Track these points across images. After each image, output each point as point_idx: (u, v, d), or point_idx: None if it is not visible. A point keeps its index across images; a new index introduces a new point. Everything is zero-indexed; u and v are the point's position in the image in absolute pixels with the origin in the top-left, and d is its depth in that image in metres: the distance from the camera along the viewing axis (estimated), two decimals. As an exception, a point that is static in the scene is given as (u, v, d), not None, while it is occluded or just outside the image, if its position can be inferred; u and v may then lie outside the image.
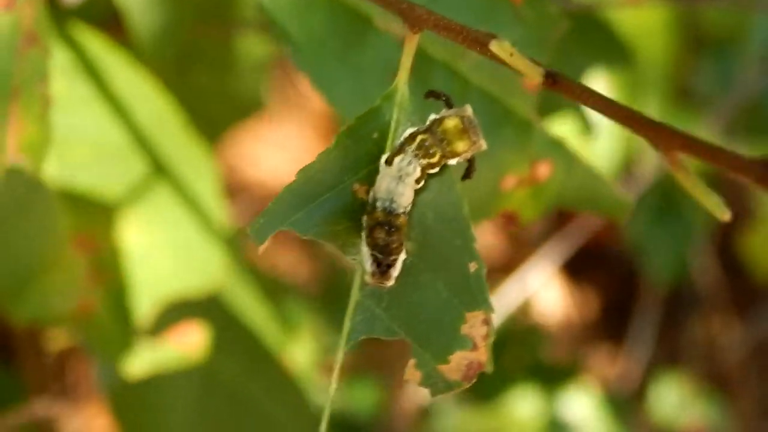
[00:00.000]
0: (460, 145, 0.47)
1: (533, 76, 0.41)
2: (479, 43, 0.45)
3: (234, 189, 1.71)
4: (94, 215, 0.88)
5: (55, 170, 0.86)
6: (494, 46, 0.42)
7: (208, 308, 0.96)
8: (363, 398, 1.54)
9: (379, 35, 0.66)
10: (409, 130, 0.47)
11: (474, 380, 0.46)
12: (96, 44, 0.88)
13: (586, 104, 0.40)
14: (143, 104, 0.89)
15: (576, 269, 1.78)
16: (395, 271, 0.45)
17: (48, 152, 0.70)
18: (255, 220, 0.46)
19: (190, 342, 0.95)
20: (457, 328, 0.47)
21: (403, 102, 0.48)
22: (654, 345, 1.69)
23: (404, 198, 0.46)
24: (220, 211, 0.92)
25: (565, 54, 1.16)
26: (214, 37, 1.06)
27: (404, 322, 0.47)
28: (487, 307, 0.47)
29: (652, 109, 1.40)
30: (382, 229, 0.45)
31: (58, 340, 1.23)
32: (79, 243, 0.87)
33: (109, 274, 0.89)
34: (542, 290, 1.76)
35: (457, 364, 0.46)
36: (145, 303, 0.90)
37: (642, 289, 1.70)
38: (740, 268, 1.64)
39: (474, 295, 0.47)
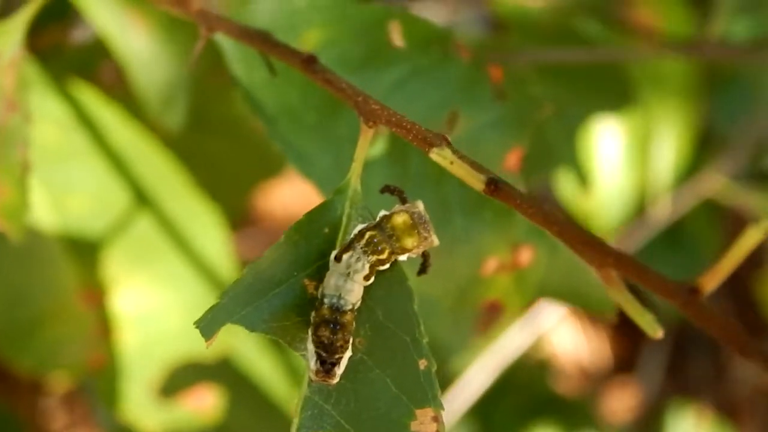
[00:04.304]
0: (409, 242, 0.47)
1: (474, 183, 0.41)
2: (428, 143, 0.45)
3: (242, 222, 1.71)
4: (99, 270, 0.88)
5: (55, 220, 0.87)
6: (434, 155, 0.42)
7: (218, 365, 0.96)
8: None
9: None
10: (359, 227, 0.47)
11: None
12: (92, 101, 0.88)
13: (524, 214, 0.40)
14: (142, 159, 0.89)
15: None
16: (339, 369, 0.45)
17: (26, 216, 0.70)
18: (203, 314, 0.46)
19: (203, 405, 0.95)
20: (406, 425, 0.46)
21: (354, 197, 0.48)
22: (665, 378, 1.68)
23: (352, 295, 0.46)
24: (227, 267, 0.91)
25: (574, 95, 1.16)
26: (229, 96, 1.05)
27: (353, 419, 0.47)
28: (437, 405, 0.47)
29: (667, 150, 1.38)
30: (327, 327, 0.45)
31: (59, 383, 1.24)
32: (87, 297, 0.88)
33: (118, 330, 0.89)
34: (555, 326, 1.75)
35: (408, 460, 0.46)
36: (153, 362, 0.90)
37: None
38: (750, 302, 1.62)
39: (424, 391, 0.47)
